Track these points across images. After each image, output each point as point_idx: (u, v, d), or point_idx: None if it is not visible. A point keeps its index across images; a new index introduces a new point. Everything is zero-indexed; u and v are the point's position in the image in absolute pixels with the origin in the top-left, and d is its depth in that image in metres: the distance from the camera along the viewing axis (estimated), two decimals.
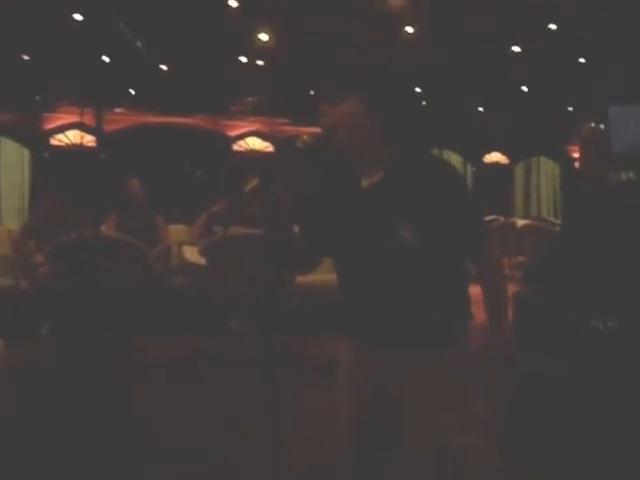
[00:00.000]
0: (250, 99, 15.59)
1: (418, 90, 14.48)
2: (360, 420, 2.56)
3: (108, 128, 14.37)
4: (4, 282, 7.76)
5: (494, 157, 19.77)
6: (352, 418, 2.58)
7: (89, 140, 13.68)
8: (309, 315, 7.03)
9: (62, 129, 14.44)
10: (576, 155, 17.91)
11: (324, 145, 2.44)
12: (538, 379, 3.84)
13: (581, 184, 4.76)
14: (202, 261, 7.15)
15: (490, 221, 13.24)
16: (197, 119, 15.69)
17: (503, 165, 19.94)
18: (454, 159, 18.06)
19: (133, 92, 14.41)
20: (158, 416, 5.30)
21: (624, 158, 5.16)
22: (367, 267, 2.46)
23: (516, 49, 13.14)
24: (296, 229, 2.66)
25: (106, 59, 12.16)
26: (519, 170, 20.36)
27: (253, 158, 15.83)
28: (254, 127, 16.41)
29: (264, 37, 12.20)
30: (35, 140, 14.41)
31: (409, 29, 11.99)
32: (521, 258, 11.94)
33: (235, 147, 16.29)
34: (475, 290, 2.48)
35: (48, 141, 14.48)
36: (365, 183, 2.48)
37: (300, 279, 6.68)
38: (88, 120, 13.94)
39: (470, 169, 18.98)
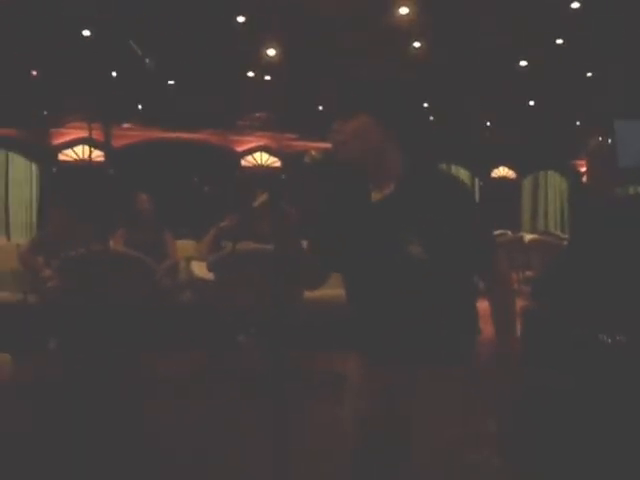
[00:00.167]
0: (258, 114, 15.65)
1: (426, 105, 14.50)
2: (368, 435, 2.55)
3: (116, 143, 14.41)
4: (12, 296, 7.77)
5: (502, 171, 19.80)
6: (360, 433, 2.58)
7: (97, 155, 13.70)
8: (317, 330, 7.03)
9: (70, 144, 14.50)
10: (583, 169, 17.92)
11: (334, 161, 2.44)
12: (546, 394, 3.83)
13: (589, 198, 4.76)
14: (210, 276, 7.14)
15: (498, 236, 13.22)
16: (205, 134, 15.75)
17: (511, 179, 19.96)
18: (462, 174, 18.10)
19: (141, 107, 14.48)
20: (166, 431, 5.29)
21: (632, 172, 5.14)
22: (376, 282, 2.46)
23: (523, 64, 13.18)
24: (304, 244, 2.66)
25: (114, 74, 12.22)
26: (526, 184, 20.38)
27: (261, 173, 15.87)
28: (262, 142, 16.45)
29: (272, 52, 12.25)
30: (43, 155, 14.48)
31: (417, 44, 12.03)
32: (529, 273, 11.94)
33: (243, 162, 16.33)
34: (483, 305, 2.48)
35: (56, 156, 14.54)
36: (375, 198, 2.48)
37: (308, 294, 6.67)
38: (96, 135, 13.98)
39: (478, 183, 18.99)
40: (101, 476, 4.40)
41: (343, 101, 2.48)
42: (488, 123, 17.97)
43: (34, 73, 12.52)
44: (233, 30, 11.00)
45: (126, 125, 14.52)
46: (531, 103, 16.28)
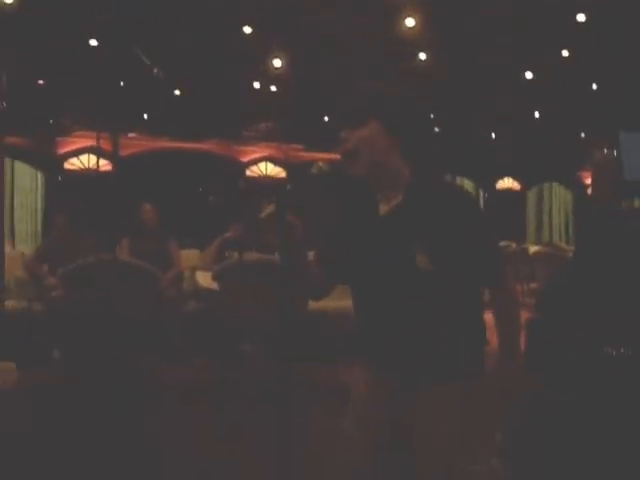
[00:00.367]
0: (263, 125, 15.67)
1: (431, 117, 14.52)
2: (373, 442, 2.55)
3: (122, 153, 14.43)
4: (17, 304, 7.79)
5: (506, 183, 19.78)
6: (365, 441, 2.57)
7: (103, 164, 13.74)
8: (322, 341, 7.03)
9: (76, 153, 14.51)
10: (588, 181, 17.91)
11: (342, 171, 2.45)
12: (550, 405, 3.83)
13: (593, 211, 4.75)
14: (214, 286, 7.15)
15: (502, 247, 13.20)
16: (210, 144, 15.75)
17: (515, 191, 19.94)
18: (467, 185, 18.08)
19: (146, 117, 14.51)
20: (170, 441, 5.29)
21: (637, 185, 5.14)
22: (383, 293, 2.46)
23: (529, 76, 13.19)
24: (310, 255, 2.67)
25: (121, 84, 12.25)
26: (531, 196, 20.36)
27: (266, 184, 15.87)
28: (267, 153, 16.45)
29: (278, 63, 12.27)
30: (49, 164, 14.49)
31: (423, 56, 12.05)
32: (533, 284, 11.93)
33: (248, 172, 16.33)
34: (489, 316, 2.48)
35: (62, 165, 14.55)
36: (383, 209, 2.49)
37: (313, 305, 6.67)
38: (102, 144, 14.02)
39: (483, 195, 18.97)
40: None
41: (352, 110, 2.48)
42: (493, 135, 17.97)
43: (41, 82, 12.56)
44: (240, 41, 11.03)
45: (132, 134, 14.54)
46: (536, 115, 16.29)
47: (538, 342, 4.13)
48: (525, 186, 20.05)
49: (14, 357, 7.21)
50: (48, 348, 7.37)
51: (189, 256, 9.36)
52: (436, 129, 15.76)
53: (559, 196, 20.63)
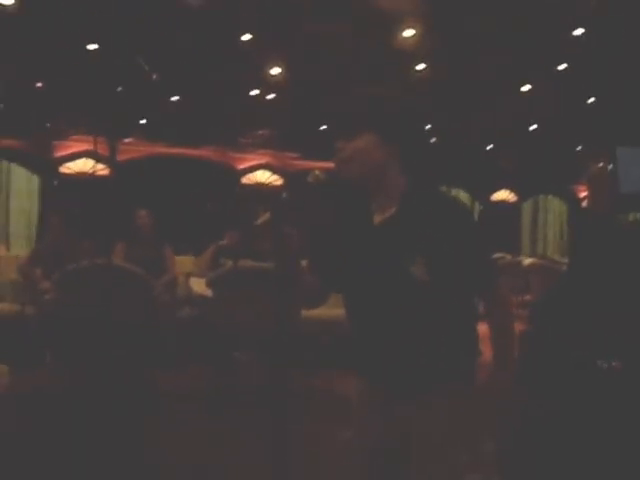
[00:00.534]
0: (260, 132, 15.67)
1: (428, 127, 14.54)
2: (369, 452, 2.56)
3: (118, 158, 14.38)
4: (10, 307, 7.78)
5: (502, 195, 19.83)
6: (363, 452, 2.58)
7: (98, 169, 13.73)
8: (316, 348, 7.03)
9: (72, 157, 14.51)
10: (583, 194, 17.97)
11: (338, 180, 2.45)
12: (542, 417, 3.83)
13: (588, 223, 4.76)
14: (209, 293, 7.15)
15: (496, 259, 13.21)
16: (207, 151, 15.77)
17: (510, 203, 19.99)
18: (462, 196, 18.12)
19: (144, 122, 14.50)
20: (165, 447, 5.28)
21: (632, 199, 5.16)
22: (377, 302, 2.46)
23: (525, 88, 13.22)
24: (304, 264, 2.67)
25: (118, 88, 12.25)
26: (526, 208, 20.41)
27: (261, 191, 15.88)
28: (263, 160, 16.47)
29: (275, 71, 12.29)
30: (45, 167, 14.49)
31: (420, 67, 12.08)
32: (527, 297, 11.94)
33: (244, 180, 16.34)
34: (483, 327, 2.49)
35: (58, 169, 14.55)
36: (378, 219, 2.49)
37: (306, 313, 6.67)
38: (99, 149, 14.01)
39: (478, 207, 19.01)
40: None
41: (348, 119, 2.49)
42: (489, 147, 18.00)
43: (38, 85, 12.55)
44: (238, 48, 11.03)
45: (128, 140, 14.54)
46: (532, 127, 16.32)
47: (531, 354, 4.14)
48: (520, 198, 20.09)
49: (7, 360, 7.20)
50: (41, 352, 7.36)
51: (183, 262, 9.36)
52: (433, 140, 15.78)
53: (554, 208, 20.69)
